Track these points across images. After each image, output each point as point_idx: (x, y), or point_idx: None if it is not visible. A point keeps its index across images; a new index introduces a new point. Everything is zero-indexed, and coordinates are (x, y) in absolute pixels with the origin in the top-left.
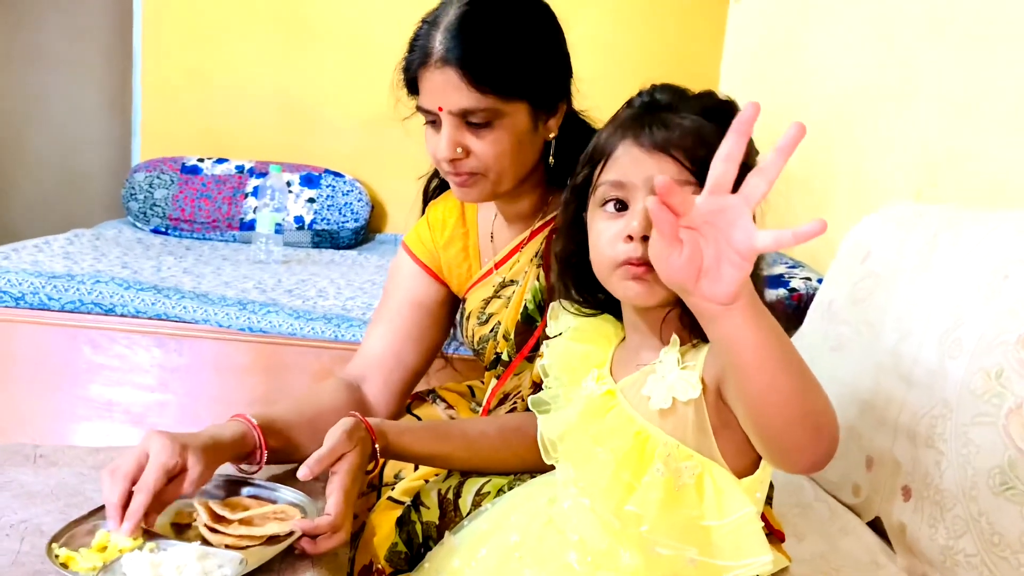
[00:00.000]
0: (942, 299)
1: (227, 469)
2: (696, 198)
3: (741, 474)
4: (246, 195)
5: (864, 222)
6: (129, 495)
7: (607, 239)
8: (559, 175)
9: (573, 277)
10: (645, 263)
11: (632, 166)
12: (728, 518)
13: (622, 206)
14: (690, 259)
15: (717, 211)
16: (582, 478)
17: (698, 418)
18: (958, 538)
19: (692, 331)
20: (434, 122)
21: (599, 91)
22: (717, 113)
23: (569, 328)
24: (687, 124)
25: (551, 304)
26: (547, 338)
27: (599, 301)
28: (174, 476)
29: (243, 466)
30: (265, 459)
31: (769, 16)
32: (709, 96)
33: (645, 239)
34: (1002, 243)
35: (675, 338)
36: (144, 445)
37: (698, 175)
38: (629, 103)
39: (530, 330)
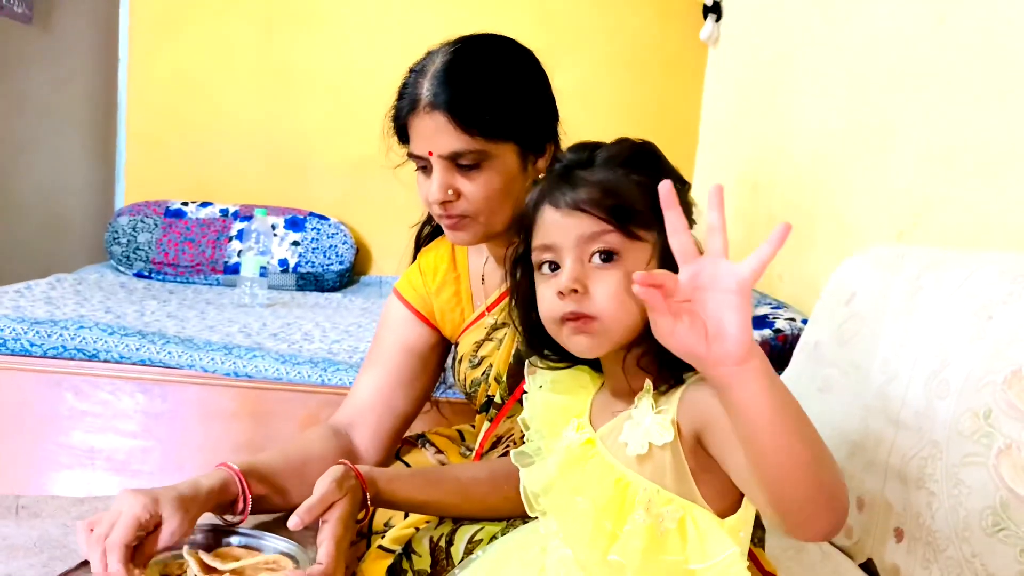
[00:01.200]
0: (928, 340)
1: (214, 519)
2: (678, 276)
3: (724, 514)
4: (230, 239)
5: (847, 264)
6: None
7: (547, 300)
8: None
9: (540, 339)
10: (582, 316)
11: (554, 228)
12: (712, 560)
13: (555, 266)
14: (692, 325)
15: (696, 274)
16: (564, 529)
17: (675, 462)
18: None
19: (661, 373)
20: (425, 167)
21: (584, 137)
22: (628, 160)
23: (547, 380)
24: (595, 178)
25: (527, 361)
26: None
27: (570, 355)
28: (152, 531)
29: (227, 516)
30: (250, 507)
31: (747, 62)
32: (617, 145)
33: (576, 292)
34: (985, 284)
35: (648, 383)
36: (117, 505)
37: (614, 221)
38: (549, 169)
39: (522, 372)
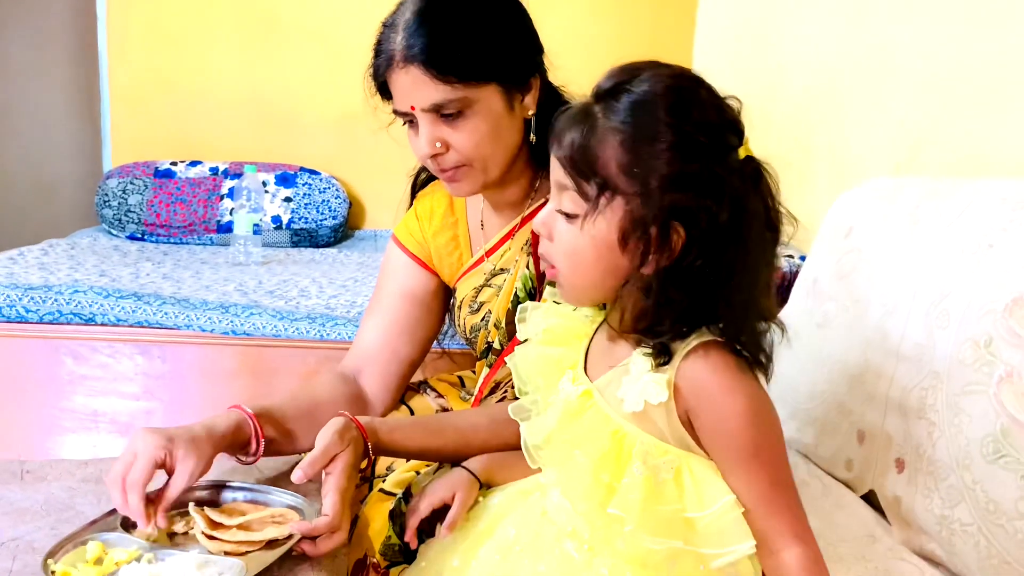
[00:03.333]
0: (927, 271)
1: (223, 472)
2: None
3: None
4: (222, 197)
5: (845, 197)
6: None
7: None
8: (543, 154)
9: None
10: (549, 263)
11: (552, 165)
12: (709, 509)
13: None
14: None
15: None
16: (563, 481)
17: (671, 420)
18: (953, 508)
19: (654, 331)
20: (412, 122)
21: (576, 79)
22: (659, 105)
23: (540, 331)
24: (574, 139)
25: (520, 307)
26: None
27: None
28: (171, 472)
29: (240, 456)
30: (262, 447)
31: None
32: (650, 83)
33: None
34: (985, 212)
35: (645, 340)
36: (132, 445)
37: (576, 181)
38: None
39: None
